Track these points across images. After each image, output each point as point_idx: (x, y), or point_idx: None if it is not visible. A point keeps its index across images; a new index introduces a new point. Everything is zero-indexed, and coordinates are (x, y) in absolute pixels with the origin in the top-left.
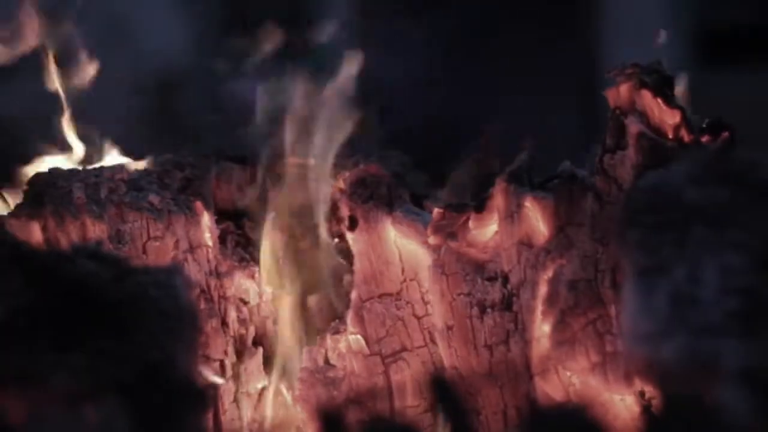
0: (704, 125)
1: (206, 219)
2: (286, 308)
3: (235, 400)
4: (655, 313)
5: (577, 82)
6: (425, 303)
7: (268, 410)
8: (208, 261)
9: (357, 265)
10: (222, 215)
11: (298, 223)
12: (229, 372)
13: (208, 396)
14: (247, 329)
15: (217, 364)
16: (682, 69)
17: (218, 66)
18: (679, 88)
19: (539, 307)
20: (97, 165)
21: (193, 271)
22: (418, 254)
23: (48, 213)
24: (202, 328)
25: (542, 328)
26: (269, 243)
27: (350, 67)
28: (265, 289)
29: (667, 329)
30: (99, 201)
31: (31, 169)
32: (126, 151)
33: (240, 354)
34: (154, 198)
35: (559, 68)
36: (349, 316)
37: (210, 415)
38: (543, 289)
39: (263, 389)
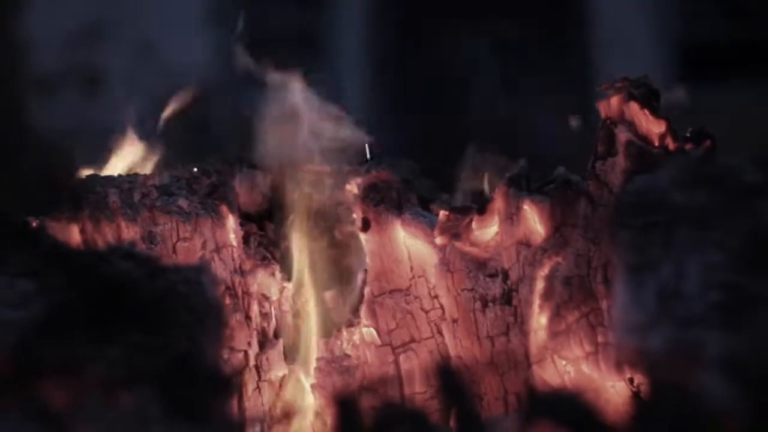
0: (688, 134)
1: (231, 221)
2: (304, 303)
3: (258, 388)
4: (643, 306)
5: (571, 95)
6: (432, 298)
7: (288, 397)
8: (233, 260)
9: (369, 263)
10: (245, 218)
11: (315, 225)
12: (252, 362)
13: (233, 384)
14: (268, 323)
15: (241, 355)
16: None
17: (241, 79)
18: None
19: (537, 302)
20: (131, 172)
21: (219, 270)
22: (425, 253)
23: (85, 216)
24: (228, 321)
25: (539, 321)
26: (289, 243)
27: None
28: (286, 285)
29: (654, 321)
30: (132, 205)
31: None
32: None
33: (262, 345)
34: (183, 202)
35: (555, 82)
36: (363, 310)
37: (234, 402)
38: (540, 285)
39: (283, 378)
